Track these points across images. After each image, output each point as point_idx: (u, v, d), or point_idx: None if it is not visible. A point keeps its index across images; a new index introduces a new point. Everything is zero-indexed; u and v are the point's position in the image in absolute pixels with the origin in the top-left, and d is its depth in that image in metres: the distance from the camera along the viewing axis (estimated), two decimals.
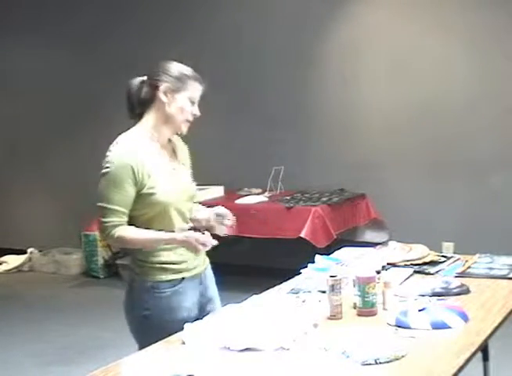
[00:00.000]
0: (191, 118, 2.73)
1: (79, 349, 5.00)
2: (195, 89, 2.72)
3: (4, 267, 7.40)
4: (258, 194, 6.12)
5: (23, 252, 7.44)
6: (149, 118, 2.72)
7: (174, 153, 2.82)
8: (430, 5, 5.86)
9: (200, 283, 2.81)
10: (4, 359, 4.87)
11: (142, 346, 2.57)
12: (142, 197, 2.63)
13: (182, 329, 2.43)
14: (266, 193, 6.09)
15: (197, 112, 2.74)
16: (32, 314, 5.88)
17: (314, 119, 6.39)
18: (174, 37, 6.70)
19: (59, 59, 7.40)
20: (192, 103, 2.73)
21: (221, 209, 2.84)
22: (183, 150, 2.90)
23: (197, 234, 2.64)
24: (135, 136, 2.68)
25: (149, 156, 2.65)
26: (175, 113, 2.69)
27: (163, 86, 2.68)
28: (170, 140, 2.82)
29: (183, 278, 2.73)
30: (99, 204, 2.63)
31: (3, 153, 7.84)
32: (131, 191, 2.61)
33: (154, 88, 2.69)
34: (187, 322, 2.49)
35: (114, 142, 2.67)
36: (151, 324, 2.68)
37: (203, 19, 6.65)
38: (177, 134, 2.82)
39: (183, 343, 2.34)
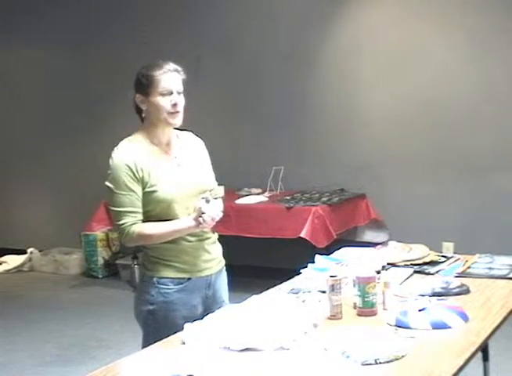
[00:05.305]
0: (173, 109, 2.72)
1: (79, 349, 5.00)
2: (165, 82, 2.71)
3: (4, 267, 7.39)
4: (258, 194, 6.12)
5: (23, 252, 7.43)
6: (145, 124, 2.80)
7: (181, 150, 2.84)
8: (432, 6, 5.86)
9: (207, 285, 2.84)
10: (4, 359, 4.87)
11: (146, 341, 2.67)
12: (145, 195, 2.70)
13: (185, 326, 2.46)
14: (266, 193, 6.09)
15: (177, 100, 2.72)
16: (32, 314, 5.87)
17: (314, 119, 6.38)
18: (175, 38, 6.69)
19: (58, 60, 7.39)
20: (169, 94, 2.71)
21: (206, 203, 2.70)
22: (195, 144, 2.91)
23: (206, 216, 2.61)
24: (133, 140, 2.77)
25: (147, 156, 2.72)
26: (155, 113, 2.73)
27: (136, 98, 2.76)
28: (178, 137, 2.85)
29: (190, 278, 2.78)
30: (111, 209, 2.71)
31: (3, 154, 7.83)
32: (136, 189, 2.68)
33: (134, 100, 2.78)
34: (190, 320, 2.51)
35: (115, 148, 2.74)
36: (155, 319, 2.75)
37: (203, 19, 6.64)
38: (175, 128, 2.82)
39: (183, 343, 2.34)
